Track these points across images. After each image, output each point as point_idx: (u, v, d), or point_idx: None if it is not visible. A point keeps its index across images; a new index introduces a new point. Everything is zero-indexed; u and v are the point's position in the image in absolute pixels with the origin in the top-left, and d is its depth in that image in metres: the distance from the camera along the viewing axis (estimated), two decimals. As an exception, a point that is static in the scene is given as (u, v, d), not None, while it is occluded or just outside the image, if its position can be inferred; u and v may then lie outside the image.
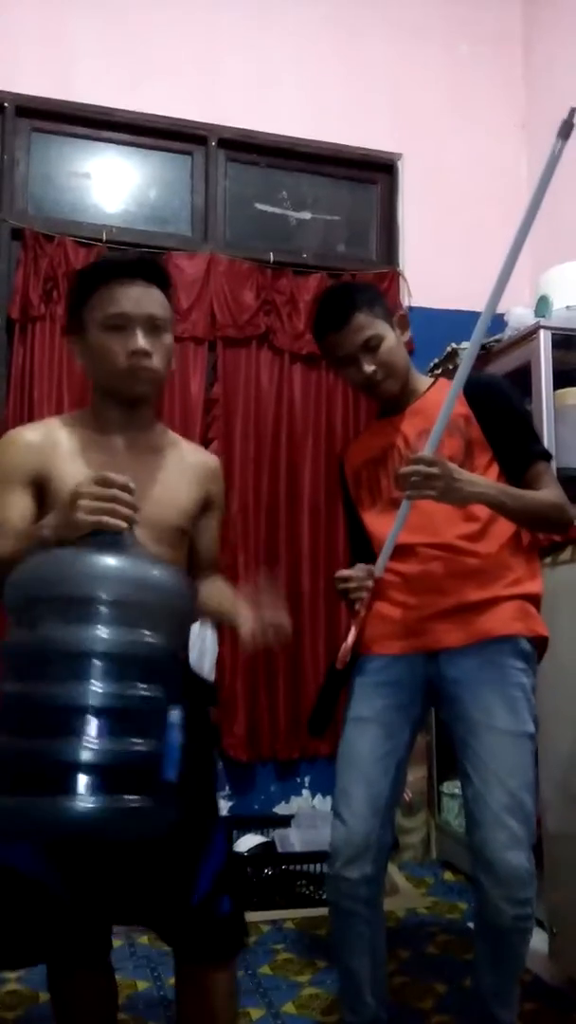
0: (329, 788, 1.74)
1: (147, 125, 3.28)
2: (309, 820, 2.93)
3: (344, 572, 1.71)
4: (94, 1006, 1.54)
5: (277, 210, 3.49)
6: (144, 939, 2.35)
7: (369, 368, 1.70)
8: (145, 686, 1.12)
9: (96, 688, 1.09)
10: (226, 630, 3.07)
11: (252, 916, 2.50)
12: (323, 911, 1.73)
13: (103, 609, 1.11)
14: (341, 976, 1.69)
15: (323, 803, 3.16)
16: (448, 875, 2.96)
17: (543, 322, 2.65)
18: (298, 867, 2.66)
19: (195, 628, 2.82)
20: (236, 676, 3.09)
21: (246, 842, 2.83)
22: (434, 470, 1.49)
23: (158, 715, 1.13)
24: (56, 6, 3.17)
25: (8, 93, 3.12)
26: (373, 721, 1.67)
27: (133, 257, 1.55)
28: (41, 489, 1.41)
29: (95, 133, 3.27)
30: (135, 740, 1.10)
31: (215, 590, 1.57)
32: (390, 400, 1.78)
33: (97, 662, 1.09)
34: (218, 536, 1.62)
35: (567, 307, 2.71)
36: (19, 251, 3.06)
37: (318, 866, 2.60)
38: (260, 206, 3.47)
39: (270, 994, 2.10)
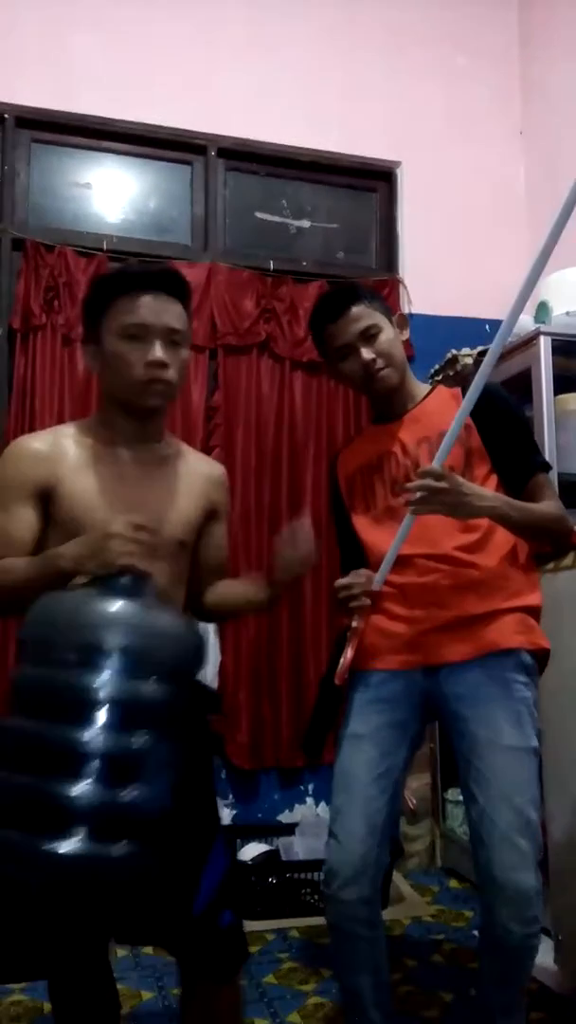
0: (333, 796, 1.72)
1: (147, 135, 3.29)
2: (313, 828, 2.93)
3: (344, 580, 1.66)
4: (96, 1017, 1.54)
5: (277, 219, 3.49)
6: (148, 949, 2.34)
7: (368, 355, 1.66)
8: (149, 734, 1.11)
9: (97, 734, 1.08)
10: (228, 638, 3.08)
11: (257, 925, 2.51)
12: (328, 920, 1.73)
13: (114, 656, 1.11)
14: (344, 993, 1.67)
15: (327, 811, 3.14)
16: (453, 883, 2.95)
17: (543, 328, 2.65)
18: (302, 875, 2.65)
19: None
20: (239, 684, 3.09)
21: (250, 851, 2.82)
22: (443, 484, 1.46)
23: (159, 763, 1.12)
24: (56, 17, 3.18)
25: (8, 104, 3.13)
26: (369, 739, 1.64)
27: (155, 268, 1.53)
28: (47, 501, 1.39)
29: (95, 143, 3.28)
30: (132, 787, 1.08)
31: (226, 588, 1.59)
32: (389, 399, 1.74)
33: (103, 709, 1.09)
34: (224, 543, 1.61)
35: (567, 313, 2.71)
36: (20, 261, 3.06)
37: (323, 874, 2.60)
38: (260, 215, 3.47)
39: (275, 1003, 2.09)
